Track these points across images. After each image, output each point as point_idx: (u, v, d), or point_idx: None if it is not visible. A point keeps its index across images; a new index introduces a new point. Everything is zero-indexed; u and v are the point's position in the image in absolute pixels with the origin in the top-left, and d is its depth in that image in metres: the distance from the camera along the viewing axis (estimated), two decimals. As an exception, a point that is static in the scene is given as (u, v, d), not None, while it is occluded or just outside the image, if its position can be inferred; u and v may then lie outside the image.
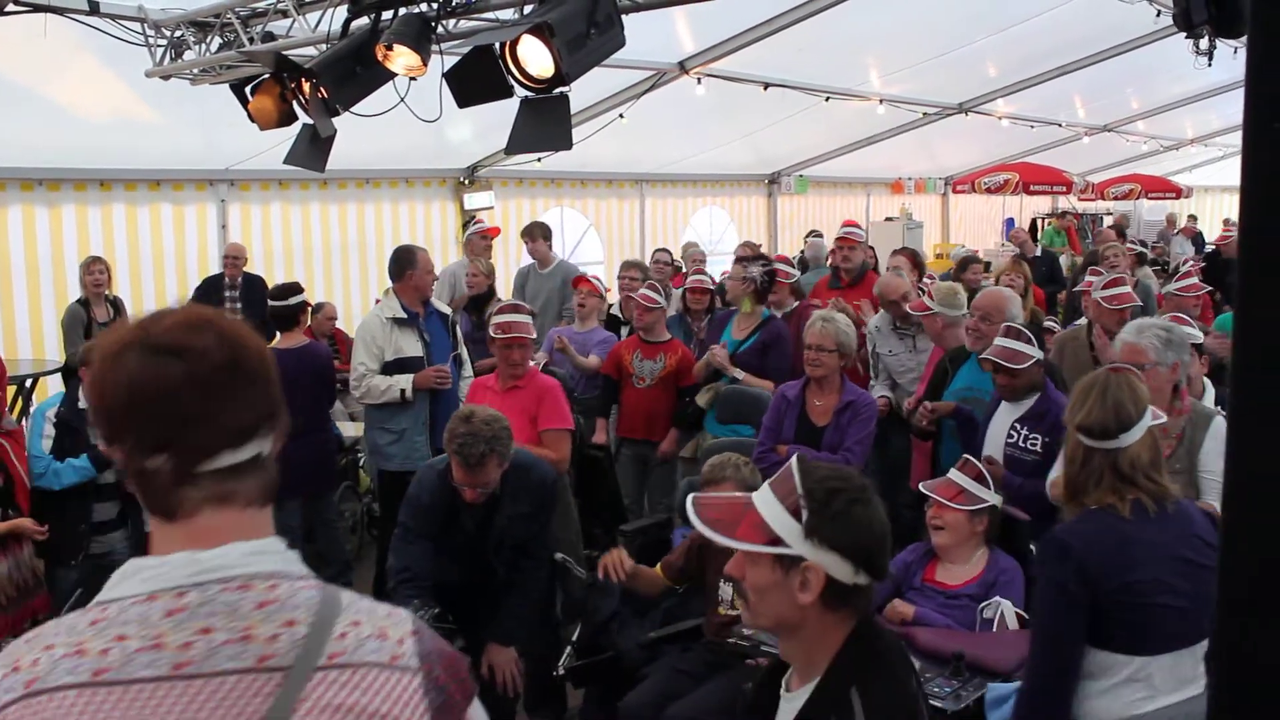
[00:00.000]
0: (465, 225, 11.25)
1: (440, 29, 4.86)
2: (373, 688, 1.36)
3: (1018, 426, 4.84)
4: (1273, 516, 1.33)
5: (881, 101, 12.30)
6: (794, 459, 2.14)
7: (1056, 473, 3.41)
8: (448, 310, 6.69)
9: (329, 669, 1.34)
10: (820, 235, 13.30)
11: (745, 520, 2.04)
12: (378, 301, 6.96)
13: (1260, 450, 1.33)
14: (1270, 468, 1.32)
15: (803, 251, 12.59)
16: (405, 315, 6.24)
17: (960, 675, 3.47)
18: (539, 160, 10.05)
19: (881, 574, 2.08)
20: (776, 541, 2.00)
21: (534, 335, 5.55)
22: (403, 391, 6.09)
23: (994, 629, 3.78)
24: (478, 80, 4.50)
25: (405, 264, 6.29)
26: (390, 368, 6.16)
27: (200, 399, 1.36)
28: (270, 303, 6.65)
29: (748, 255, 8.01)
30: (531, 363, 5.74)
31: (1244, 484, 1.35)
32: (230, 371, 1.38)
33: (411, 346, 6.19)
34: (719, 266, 11.36)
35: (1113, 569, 2.75)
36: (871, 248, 10.84)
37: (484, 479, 4.32)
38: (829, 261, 9.03)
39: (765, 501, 2.06)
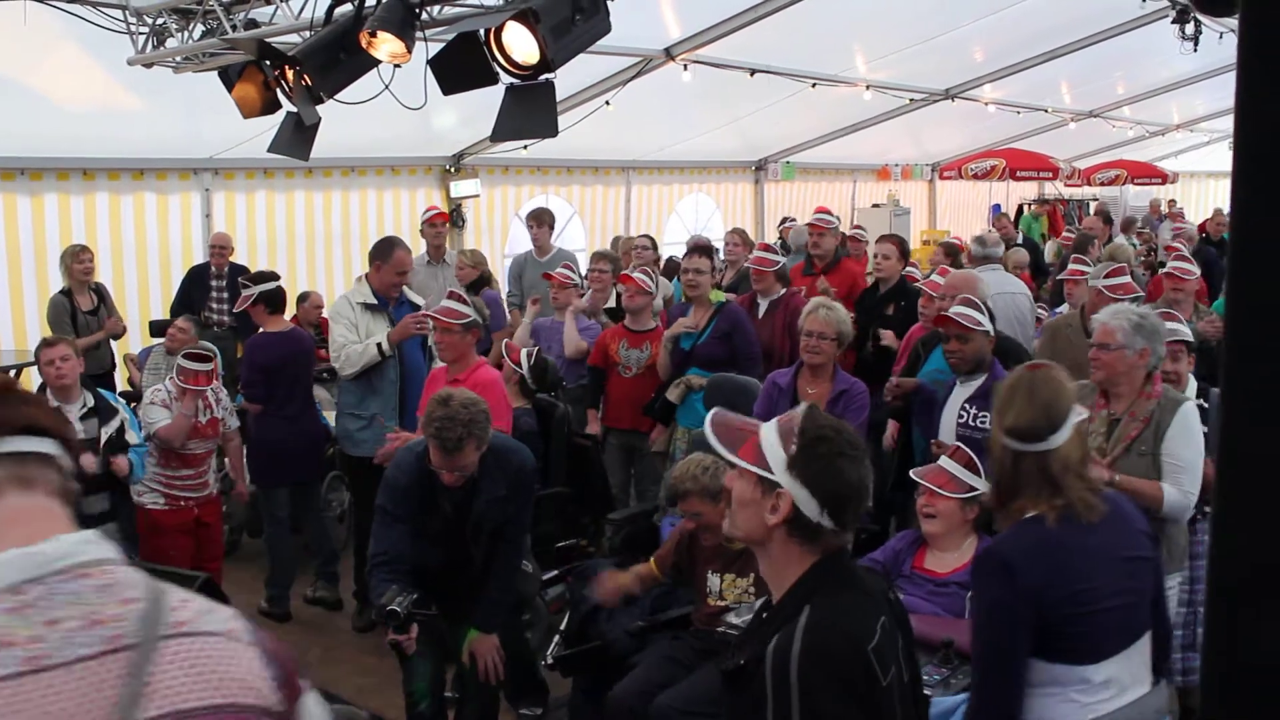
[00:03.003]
0: (451, 214, 11.21)
1: (424, 15, 4.83)
2: (222, 654, 1.39)
3: (967, 406, 4.96)
4: (1263, 504, 1.32)
5: (868, 87, 12.28)
6: (806, 404, 2.39)
7: None
8: (420, 301, 6.65)
9: (176, 636, 1.36)
10: (794, 220, 13.34)
11: (749, 441, 2.30)
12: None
13: (1250, 437, 1.32)
14: (1260, 454, 1.31)
15: (781, 237, 12.62)
16: (375, 301, 6.26)
17: (950, 663, 3.48)
18: (525, 148, 10.02)
19: (847, 526, 2.27)
20: (764, 465, 2.24)
21: (465, 320, 5.37)
22: (379, 346, 6.06)
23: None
24: (462, 67, 4.46)
25: (379, 255, 6.34)
26: None
27: None
28: (261, 285, 6.66)
29: (701, 245, 7.94)
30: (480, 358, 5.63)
31: (1234, 471, 1.35)
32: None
33: (381, 332, 6.18)
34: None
35: (1057, 583, 2.66)
36: (863, 232, 10.86)
37: (461, 463, 4.26)
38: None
39: (768, 431, 2.30)
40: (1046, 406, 2.78)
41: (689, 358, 6.48)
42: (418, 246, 8.71)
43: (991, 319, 5.20)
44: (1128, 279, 6.38)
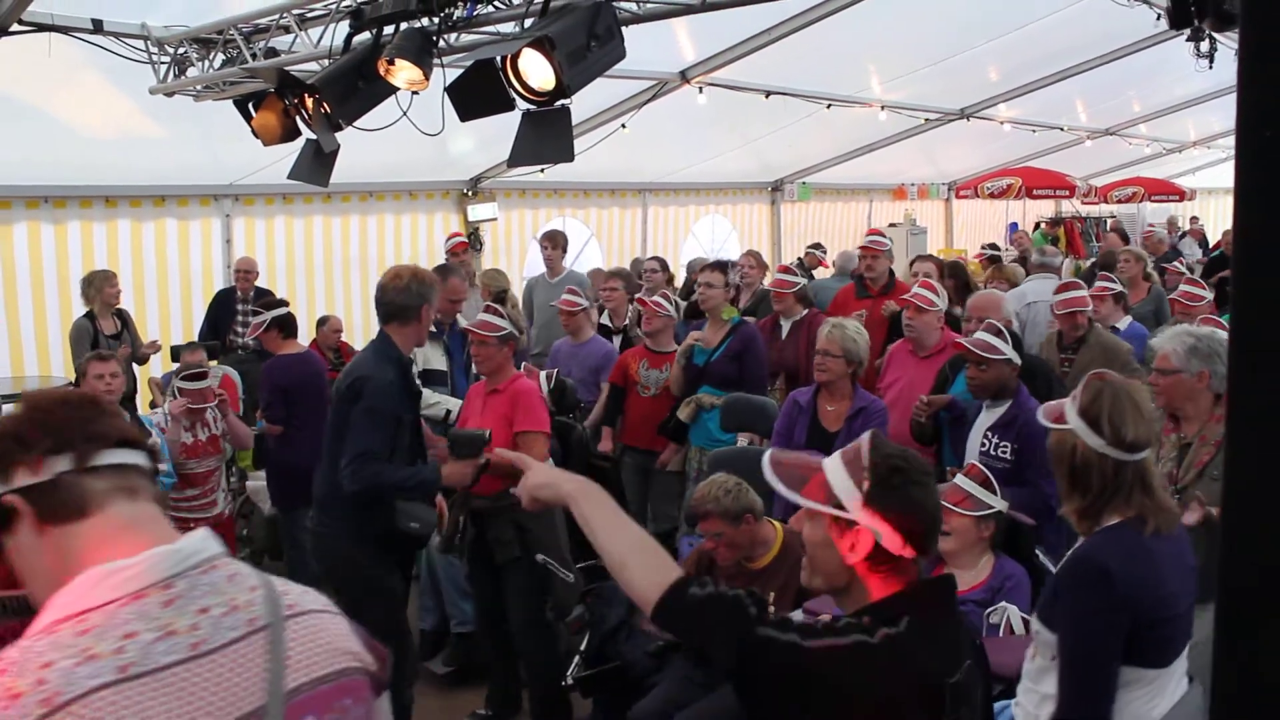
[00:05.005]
0: (469, 237, 11.29)
1: (441, 43, 4.89)
2: (329, 628, 1.61)
3: (989, 435, 4.92)
4: (1270, 519, 1.34)
5: (883, 108, 12.32)
6: (869, 435, 2.29)
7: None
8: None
9: (294, 617, 1.57)
10: (823, 250, 13.38)
11: (814, 480, 2.23)
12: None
13: (1255, 453, 1.35)
14: (1265, 471, 1.33)
15: (800, 259, 12.68)
16: (433, 329, 6.30)
17: (968, 681, 3.47)
18: (542, 171, 10.08)
19: (927, 552, 2.23)
20: (837, 504, 2.17)
21: (501, 333, 5.25)
22: (448, 412, 6.09)
23: (1000, 634, 3.78)
24: (479, 94, 4.52)
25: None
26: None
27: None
28: (273, 311, 6.73)
29: (725, 260, 7.93)
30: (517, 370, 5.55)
31: (1241, 486, 1.36)
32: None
33: (438, 360, 6.27)
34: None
35: (1148, 588, 2.71)
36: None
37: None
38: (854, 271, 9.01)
39: (834, 468, 2.23)
40: (1151, 416, 2.87)
41: (701, 375, 6.50)
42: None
43: (1017, 344, 5.09)
44: (1081, 293, 6.48)
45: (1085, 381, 2.93)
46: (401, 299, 4.68)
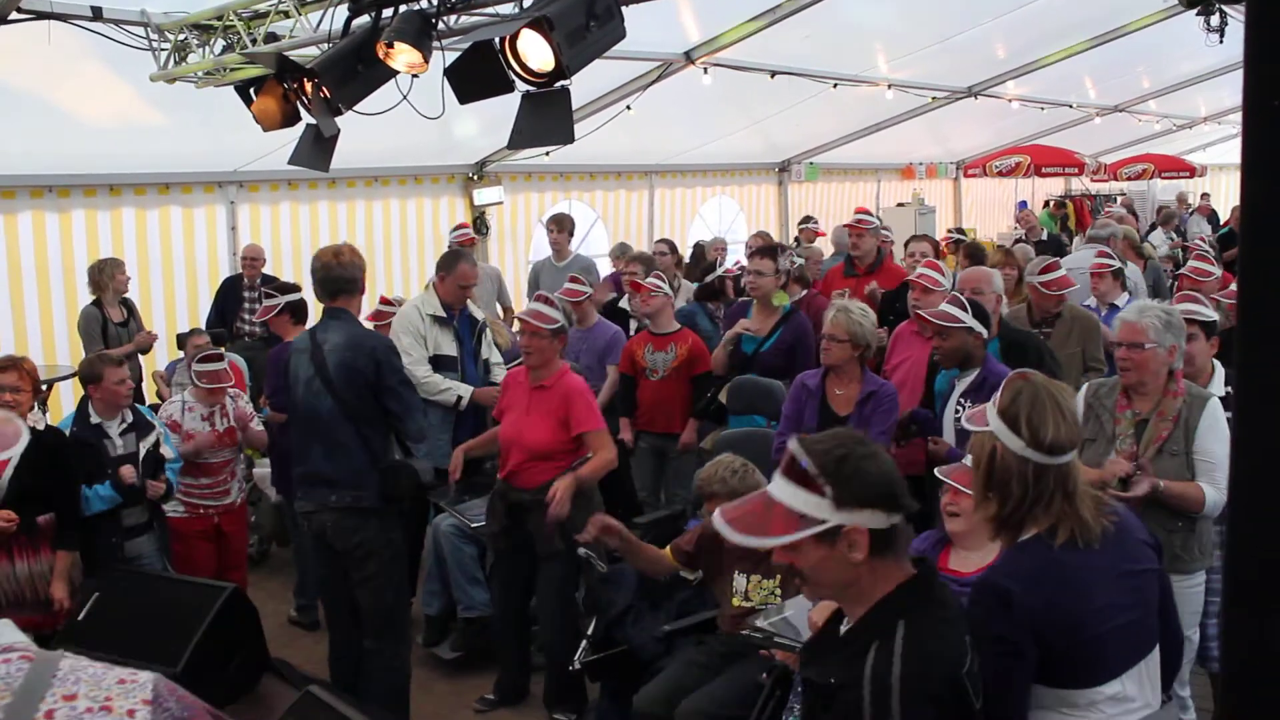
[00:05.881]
0: (475, 221, 11.26)
1: (441, 25, 4.85)
2: None
3: (962, 401, 5.00)
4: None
5: (890, 87, 12.24)
6: (791, 442, 2.27)
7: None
8: (480, 315, 6.74)
9: None
10: (815, 221, 13.33)
11: (774, 516, 2.22)
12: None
13: (1266, 429, 1.31)
14: (1275, 446, 1.29)
15: (798, 237, 12.63)
16: (444, 314, 6.33)
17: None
18: (547, 154, 10.04)
19: (909, 508, 2.26)
20: (812, 523, 2.18)
21: (555, 326, 5.18)
22: (459, 399, 6.10)
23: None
24: (478, 76, 4.48)
25: (444, 268, 6.45)
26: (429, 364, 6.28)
27: None
28: (287, 296, 6.73)
29: (768, 245, 7.89)
30: (564, 361, 5.49)
31: (1251, 465, 1.33)
32: None
33: (448, 345, 6.29)
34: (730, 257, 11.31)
35: (1061, 608, 2.53)
36: (888, 232, 10.84)
37: None
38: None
39: (785, 491, 2.23)
40: (1074, 418, 2.68)
41: (750, 362, 6.48)
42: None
43: (983, 317, 5.19)
44: (1062, 273, 6.54)
45: (1006, 381, 2.79)
46: (349, 272, 4.97)
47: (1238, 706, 1.32)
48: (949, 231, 13.29)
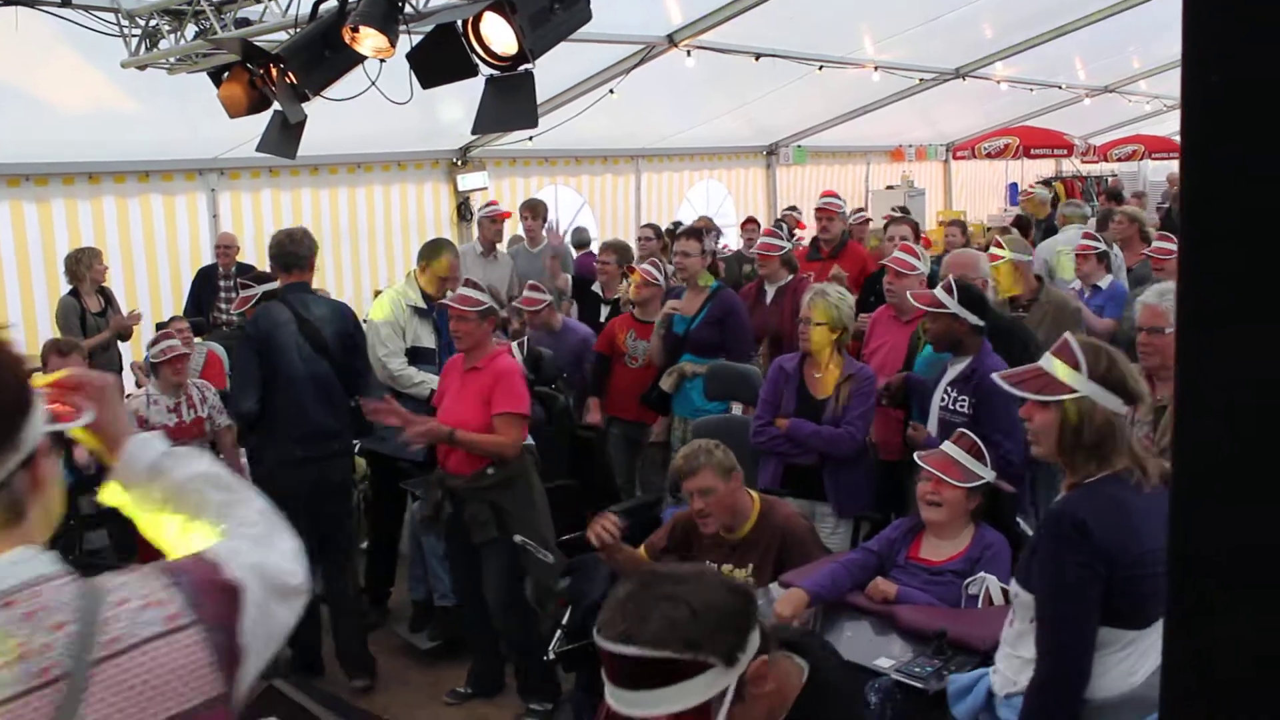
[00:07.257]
0: (459, 207, 11.19)
1: (408, 9, 4.78)
2: (159, 662, 1.35)
3: (949, 389, 4.92)
4: (1214, 471, 1.27)
5: (877, 69, 12.16)
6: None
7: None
8: None
9: (111, 658, 1.32)
10: (798, 211, 13.25)
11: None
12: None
13: (1200, 416, 1.27)
14: (1209, 437, 1.25)
15: (779, 221, 12.52)
16: (424, 305, 6.29)
17: (943, 654, 3.41)
18: (530, 139, 9.97)
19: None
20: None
21: (481, 308, 5.10)
22: (433, 392, 6.05)
23: (979, 605, 3.71)
24: (441, 60, 4.42)
25: (425, 257, 6.42)
26: (406, 355, 6.23)
27: None
28: (264, 285, 6.65)
29: (694, 227, 7.82)
30: (497, 343, 5.45)
31: (1188, 450, 1.29)
32: None
33: (427, 337, 6.24)
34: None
35: (1127, 543, 2.66)
36: (863, 213, 10.79)
37: None
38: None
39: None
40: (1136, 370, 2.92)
41: (681, 343, 6.42)
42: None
43: (978, 305, 5.01)
44: (1030, 257, 6.62)
45: (1080, 345, 2.90)
46: (303, 249, 5.51)
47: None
48: (893, 209, 12.80)
